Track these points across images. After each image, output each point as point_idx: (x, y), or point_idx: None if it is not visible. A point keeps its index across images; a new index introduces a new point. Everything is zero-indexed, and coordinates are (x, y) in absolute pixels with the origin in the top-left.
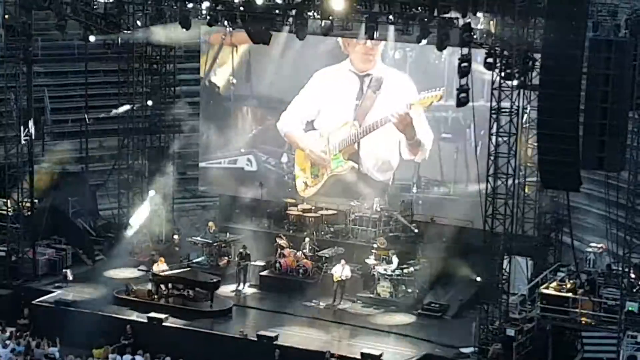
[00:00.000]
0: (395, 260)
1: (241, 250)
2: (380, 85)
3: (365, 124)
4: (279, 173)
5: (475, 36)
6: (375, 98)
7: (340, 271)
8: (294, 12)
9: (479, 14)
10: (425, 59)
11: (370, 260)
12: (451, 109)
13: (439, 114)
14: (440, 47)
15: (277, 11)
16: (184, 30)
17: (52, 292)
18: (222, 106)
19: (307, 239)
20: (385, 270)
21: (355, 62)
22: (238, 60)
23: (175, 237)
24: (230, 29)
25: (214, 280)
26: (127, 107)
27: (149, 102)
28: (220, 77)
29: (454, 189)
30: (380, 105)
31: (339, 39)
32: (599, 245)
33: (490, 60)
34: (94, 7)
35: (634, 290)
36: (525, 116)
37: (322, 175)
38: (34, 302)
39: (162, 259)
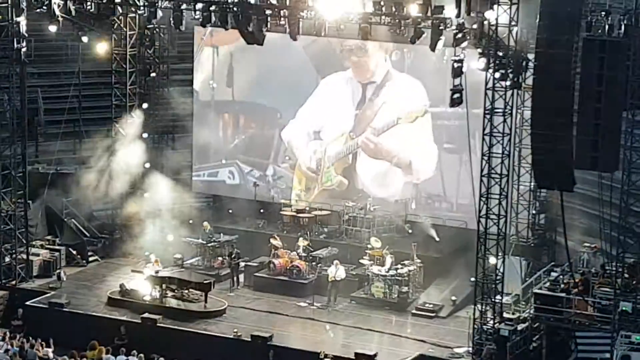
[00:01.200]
0: (389, 260)
1: (230, 250)
2: (385, 92)
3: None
4: (264, 187)
5: (468, 36)
6: (379, 108)
7: (334, 271)
8: (287, 12)
9: (473, 14)
10: (424, 62)
11: (365, 261)
12: (454, 117)
13: (441, 122)
14: (434, 48)
15: (270, 11)
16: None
17: (46, 293)
18: (201, 112)
19: (301, 240)
20: (379, 270)
21: (357, 73)
22: (219, 63)
23: (170, 237)
24: (210, 28)
25: (208, 280)
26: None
27: (144, 105)
28: (200, 80)
29: (457, 206)
30: (383, 115)
31: (352, 56)
32: (593, 245)
33: (484, 60)
34: (87, 7)
35: (628, 290)
36: (519, 116)
37: (314, 189)
38: (27, 303)
39: (157, 259)
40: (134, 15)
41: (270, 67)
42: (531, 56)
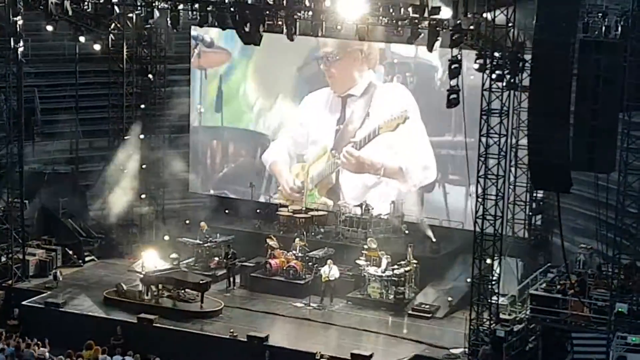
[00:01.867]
0: (385, 261)
1: (226, 250)
2: (366, 105)
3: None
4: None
5: (465, 37)
6: (361, 122)
7: (328, 271)
8: (284, 13)
9: (470, 15)
10: (427, 89)
11: (361, 261)
12: (459, 146)
13: (446, 152)
14: (431, 48)
15: (267, 12)
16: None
17: (42, 292)
18: (187, 139)
19: (297, 240)
20: (375, 271)
21: (333, 85)
22: (207, 86)
23: (166, 237)
24: (197, 50)
25: (204, 281)
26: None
27: (142, 105)
28: (186, 104)
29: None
30: (365, 129)
31: (321, 65)
32: (589, 246)
33: (480, 61)
34: (84, 7)
35: (624, 292)
36: (516, 117)
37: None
38: (24, 303)
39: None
40: (131, 15)
41: (262, 91)
42: (528, 57)
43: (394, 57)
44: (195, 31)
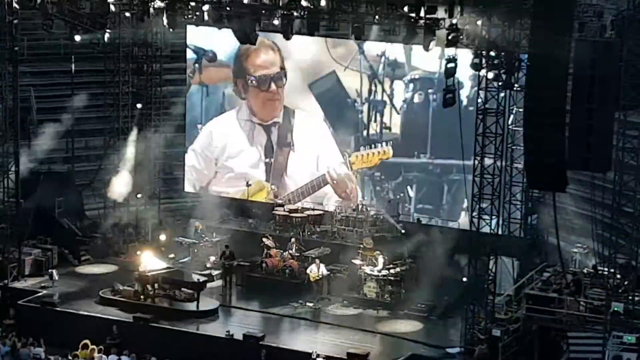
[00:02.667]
0: (381, 260)
1: (224, 250)
2: (289, 133)
3: (291, 188)
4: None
5: (461, 37)
6: (289, 151)
7: (317, 270)
8: (280, 12)
9: (466, 14)
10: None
11: (357, 261)
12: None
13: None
14: (427, 48)
15: (264, 11)
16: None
17: (38, 292)
18: (183, 138)
19: (293, 239)
20: (371, 270)
21: (258, 111)
22: (209, 104)
23: (162, 237)
24: (197, 65)
25: (200, 280)
26: None
27: (138, 105)
28: (182, 104)
29: None
30: (297, 160)
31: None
32: (585, 246)
33: (476, 60)
34: (80, 6)
35: (620, 291)
36: (512, 117)
37: None
38: (19, 302)
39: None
40: (127, 14)
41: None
42: (524, 56)
43: (414, 72)
44: (194, 43)
